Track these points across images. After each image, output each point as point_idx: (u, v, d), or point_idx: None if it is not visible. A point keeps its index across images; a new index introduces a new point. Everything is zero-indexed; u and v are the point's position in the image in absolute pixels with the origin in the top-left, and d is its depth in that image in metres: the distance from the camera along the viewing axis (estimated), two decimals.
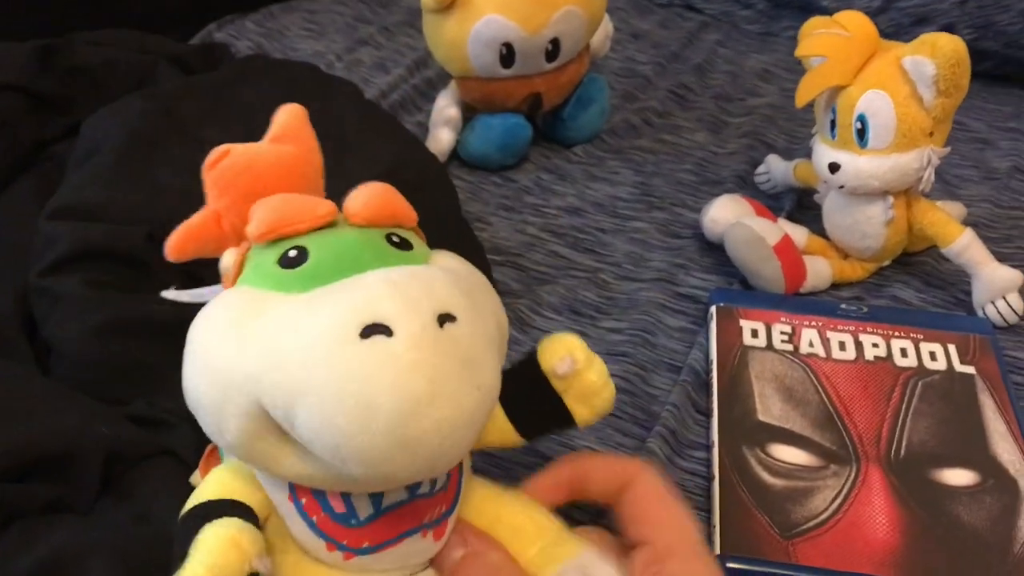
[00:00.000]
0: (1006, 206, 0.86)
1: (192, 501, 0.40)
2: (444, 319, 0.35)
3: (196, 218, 0.43)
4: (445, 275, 0.38)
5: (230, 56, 0.88)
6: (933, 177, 0.70)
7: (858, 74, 0.69)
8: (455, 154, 0.89)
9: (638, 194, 0.86)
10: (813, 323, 0.69)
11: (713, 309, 0.70)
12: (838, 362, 0.66)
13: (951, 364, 0.66)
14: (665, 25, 1.18)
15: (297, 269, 0.38)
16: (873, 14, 1.06)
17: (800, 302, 0.72)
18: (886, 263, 0.76)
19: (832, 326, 0.69)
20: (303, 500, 0.40)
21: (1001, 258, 0.76)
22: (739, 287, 0.75)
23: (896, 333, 0.68)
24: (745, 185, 0.87)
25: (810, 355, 0.67)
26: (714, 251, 0.78)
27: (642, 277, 0.77)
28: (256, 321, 0.37)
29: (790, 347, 0.67)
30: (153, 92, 0.72)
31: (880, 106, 0.68)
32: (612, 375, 0.63)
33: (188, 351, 0.38)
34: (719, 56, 1.11)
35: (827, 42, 0.70)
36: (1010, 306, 0.70)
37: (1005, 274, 0.70)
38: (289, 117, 0.45)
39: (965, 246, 0.71)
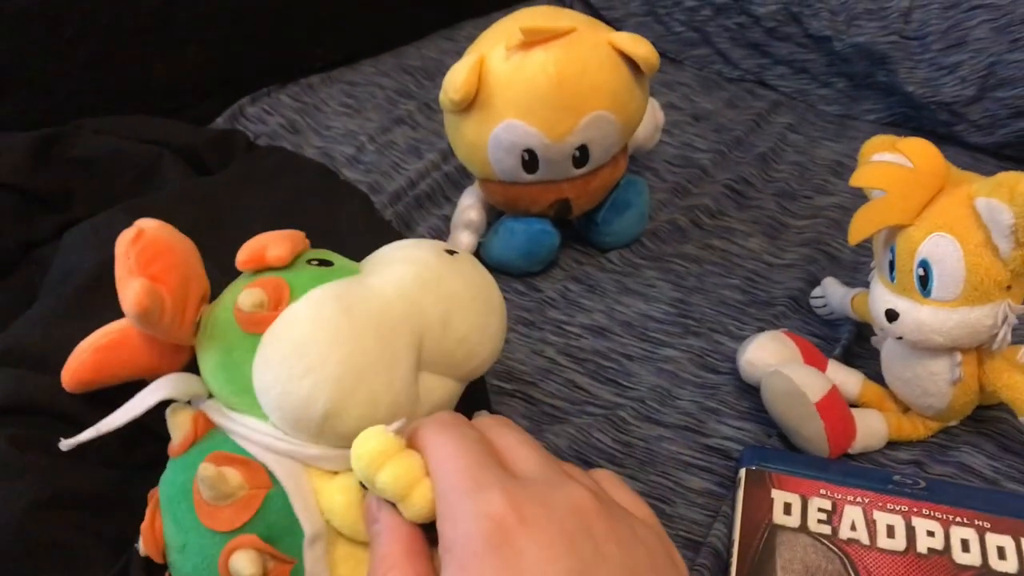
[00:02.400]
0: None
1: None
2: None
3: (103, 334, 0.47)
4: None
5: (246, 146, 0.83)
6: (1010, 337, 0.59)
7: (921, 213, 0.59)
8: (478, 257, 0.82)
9: (674, 314, 0.77)
10: (859, 499, 0.59)
11: (742, 473, 0.61)
12: (884, 552, 0.56)
13: None
14: (733, 103, 1.09)
15: (335, 266, 0.47)
16: (965, 103, 0.96)
17: (846, 468, 0.62)
18: (953, 423, 0.66)
19: (881, 504, 0.59)
20: None
21: None
22: (778, 441, 0.65)
23: (958, 518, 0.58)
24: (799, 309, 0.77)
25: (851, 541, 0.57)
26: (753, 393, 0.68)
27: (666, 420, 0.68)
28: (367, 289, 0.45)
29: (828, 529, 0.57)
30: (140, 205, 0.67)
31: (946, 252, 0.57)
32: None
33: (321, 344, 0.42)
34: (788, 143, 1.01)
35: (886, 173, 0.60)
36: None
37: None
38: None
39: None
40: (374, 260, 0.49)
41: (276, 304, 0.44)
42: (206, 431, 0.46)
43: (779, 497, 0.59)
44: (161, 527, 0.46)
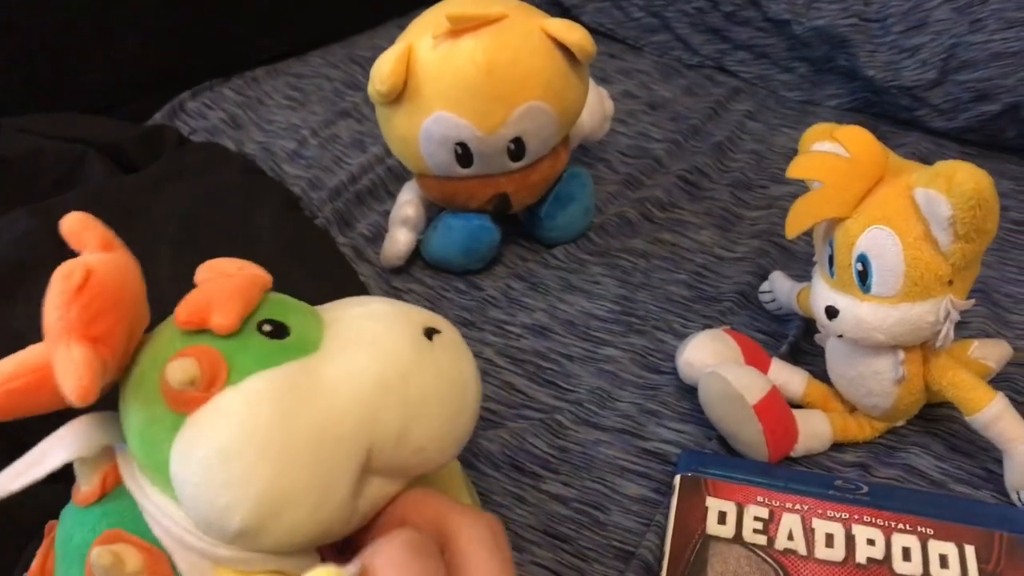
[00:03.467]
0: None
1: None
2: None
3: (14, 372, 0.37)
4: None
5: (176, 142, 0.80)
6: (952, 334, 0.56)
7: (859, 205, 0.56)
8: (419, 254, 0.79)
9: (618, 312, 0.74)
10: (798, 506, 0.56)
11: (677, 479, 0.58)
12: (822, 563, 0.53)
13: (966, 573, 0.53)
14: (692, 91, 1.06)
15: (291, 336, 0.40)
16: (927, 87, 0.93)
17: (787, 473, 0.59)
18: (900, 423, 0.63)
19: (821, 511, 0.56)
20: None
21: None
22: (717, 444, 0.63)
23: (900, 525, 0.55)
24: (747, 304, 0.75)
25: (787, 552, 0.54)
26: (694, 393, 0.65)
27: (604, 424, 0.65)
28: (321, 383, 0.38)
29: (764, 539, 0.55)
30: (47, 206, 0.64)
31: (885, 246, 0.55)
32: (541, 565, 0.52)
33: (249, 459, 0.36)
34: (746, 132, 0.98)
35: (823, 164, 0.57)
36: None
37: None
38: (85, 226, 0.41)
39: (994, 417, 0.57)
40: (340, 327, 0.42)
41: (209, 383, 0.38)
42: (115, 485, 0.40)
43: (714, 505, 0.56)
44: (52, 572, 0.41)
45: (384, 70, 0.67)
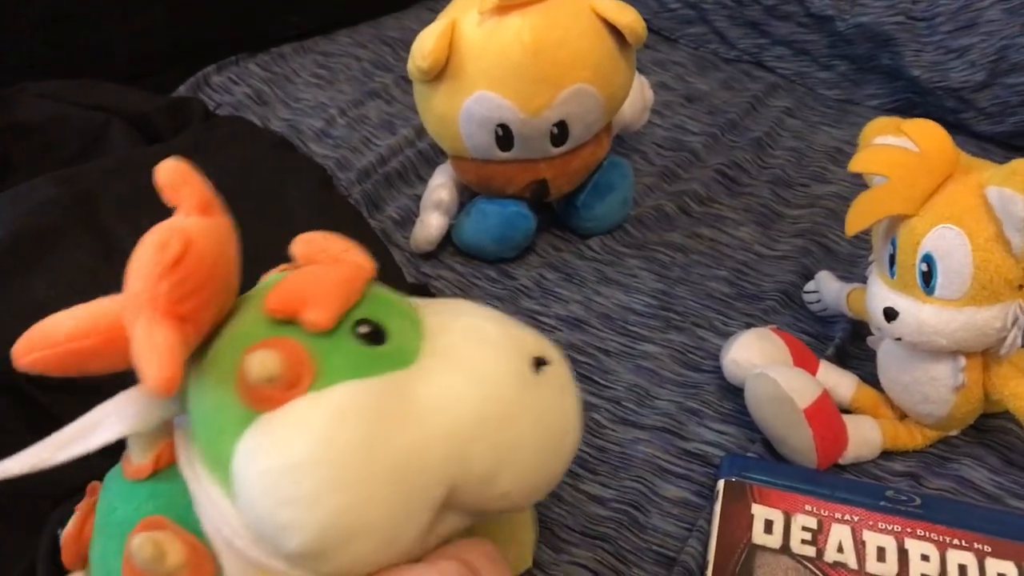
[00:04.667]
0: None
1: None
2: None
3: (85, 329, 0.35)
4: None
5: (202, 114, 0.77)
6: (1020, 341, 0.53)
7: (927, 202, 0.53)
8: (450, 240, 0.76)
9: (656, 307, 0.72)
10: (848, 516, 0.54)
11: (721, 484, 0.55)
12: None
13: None
14: (729, 85, 1.03)
15: (388, 343, 0.37)
16: (974, 89, 0.90)
17: (835, 481, 0.57)
18: (953, 433, 0.60)
19: (872, 523, 0.53)
20: None
21: None
22: (762, 447, 0.60)
23: (955, 540, 0.53)
24: (790, 304, 0.72)
25: (837, 565, 0.51)
26: (737, 394, 0.63)
27: (643, 422, 0.62)
28: (413, 406, 0.35)
29: (812, 551, 0.52)
30: (71, 174, 0.61)
31: (953, 246, 0.52)
32: (580, 565, 0.51)
33: (320, 482, 0.33)
34: (785, 128, 0.95)
35: (889, 158, 0.55)
36: None
37: None
38: (184, 179, 0.38)
39: None
40: (442, 341, 0.38)
41: (291, 384, 0.34)
42: (169, 463, 0.38)
43: (760, 513, 0.53)
44: (89, 538, 0.39)
45: (427, 45, 0.65)
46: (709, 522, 0.54)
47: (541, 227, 0.78)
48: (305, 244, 0.40)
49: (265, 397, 0.34)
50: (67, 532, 0.41)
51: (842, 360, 0.66)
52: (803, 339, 0.68)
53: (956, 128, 0.95)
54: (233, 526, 0.35)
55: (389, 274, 0.62)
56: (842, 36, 0.99)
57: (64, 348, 0.35)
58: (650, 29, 1.12)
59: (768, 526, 0.53)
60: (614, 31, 0.67)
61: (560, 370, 0.40)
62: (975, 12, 0.91)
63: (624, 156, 0.89)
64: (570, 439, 0.40)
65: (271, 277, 0.41)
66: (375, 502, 0.34)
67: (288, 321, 0.36)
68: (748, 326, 0.69)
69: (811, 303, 0.71)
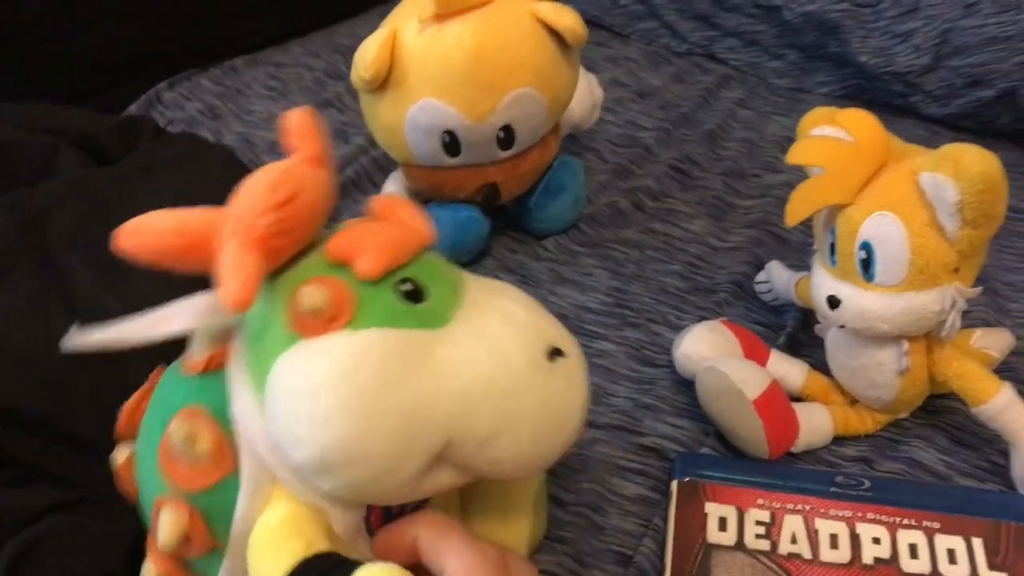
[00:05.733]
0: None
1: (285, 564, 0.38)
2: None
3: (187, 229, 0.38)
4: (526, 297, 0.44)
5: (153, 133, 0.77)
6: (959, 323, 0.54)
7: (862, 191, 0.54)
8: None
9: (611, 304, 0.72)
10: (800, 506, 0.54)
11: (674, 485, 0.56)
12: (827, 566, 0.52)
13: (975, 568, 0.51)
14: (680, 78, 1.04)
15: (425, 303, 0.40)
16: (920, 73, 0.91)
17: (787, 470, 0.58)
18: (903, 416, 0.61)
19: (823, 510, 0.54)
20: (372, 515, 0.42)
21: None
22: (715, 440, 0.61)
23: (905, 520, 0.53)
24: (743, 295, 0.73)
25: (792, 556, 0.52)
26: (691, 387, 0.63)
27: (600, 421, 0.63)
28: (432, 361, 0.38)
29: (767, 544, 0.53)
30: (19, 200, 0.61)
31: (889, 233, 0.53)
32: (543, 570, 0.51)
33: (335, 406, 0.36)
34: (737, 119, 0.96)
35: (824, 149, 0.55)
36: None
37: None
38: (309, 130, 0.43)
39: (1001, 408, 0.55)
40: (474, 312, 0.41)
41: (332, 318, 0.38)
42: (220, 366, 0.41)
43: (714, 511, 0.54)
44: (143, 413, 0.44)
45: (368, 56, 0.65)
46: (665, 520, 0.55)
47: (496, 229, 0.79)
48: (379, 204, 0.44)
49: (309, 325, 0.38)
50: (127, 405, 0.45)
51: (793, 348, 0.67)
52: (755, 329, 0.69)
53: (905, 112, 0.96)
54: (258, 431, 0.39)
55: None
56: (790, 25, 1.00)
57: (163, 241, 0.38)
58: (601, 26, 1.14)
59: (722, 523, 0.54)
60: (555, 34, 0.67)
61: (573, 364, 0.43)
62: None
63: (577, 154, 0.89)
64: (569, 427, 0.42)
65: (346, 222, 0.44)
66: (379, 435, 0.37)
67: (343, 265, 0.39)
68: (702, 319, 0.69)
69: (763, 293, 0.71)
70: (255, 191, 0.38)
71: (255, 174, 0.40)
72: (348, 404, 0.36)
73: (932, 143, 0.90)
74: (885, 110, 0.97)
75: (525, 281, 0.75)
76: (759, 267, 0.73)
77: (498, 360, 0.39)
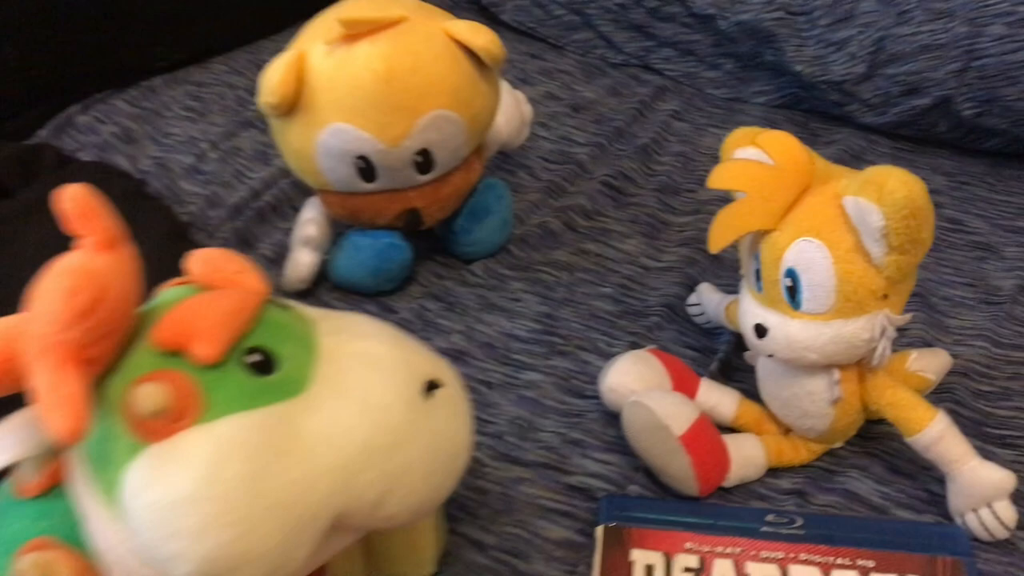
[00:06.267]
0: (1007, 344, 0.68)
1: None
2: None
3: None
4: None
5: (55, 161, 0.73)
6: (889, 350, 0.52)
7: (786, 215, 0.52)
8: (327, 276, 0.73)
9: (540, 332, 0.70)
10: (730, 549, 0.52)
11: (599, 531, 0.53)
12: None
13: None
14: (616, 91, 1.01)
15: (278, 372, 0.36)
16: (856, 81, 0.90)
17: (717, 510, 0.55)
18: (838, 445, 0.59)
19: (755, 552, 0.52)
20: None
21: (995, 423, 0.60)
22: (644, 477, 0.58)
23: (839, 559, 0.51)
24: (675, 318, 0.70)
25: None
26: (620, 420, 0.61)
27: (526, 458, 0.60)
28: (301, 438, 0.35)
29: None
30: None
31: (814, 260, 0.51)
32: None
33: (205, 516, 0.33)
34: (673, 133, 0.94)
35: (745, 172, 0.53)
36: (997, 517, 0.53)
37: (991, 476, 0.53)
38: (91, 209, 0.37)
39: (935, 438, 0.53)
40: (334, 368, 0.38)
41: (178, 416, 0.34)
42: (59, 483, 0.38)
43: (640, 559, 0.51)
44: None
45: (273, 80, 0.62)
46: (590, 567, 0.52)
47: (423, 254, 0.75)
48: (200, 263, 0.40)
49: (152, 429, 0.34)
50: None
51: (727, 374, 0.65)
52: (687, 354, 0.67)
53: (843, 121, 0.95)
54: (122, 548, 0.35)
55: None
56: (725, 34, 0.98)
57: None
58: (535, 37, 1.11)
59: (649, 571, 0.51)
60: (471, 54, 0.64)
61: (452, 392, 0.41)
62: (851, 4, 0.90)
63: (509, 172, 0.87)
64: (462, 456, 0.41)
65: (166, 293, 0.40)
66: (260, 534, 0.34)
67: (177, 352, 0.36)
68: (633, 345, 0.67)
69: (695, 316, 0.69)
70: (53, 300, 0.33)
71: (48, 275, 0.34)
72: (219, 510, 0.33)
73: (870, 152, 0.91)
74: (823, 119, 0.96)
75: (452, 308, 0.72)
76: (692, 288, 0.71)
77: (372, 417, 0.37)
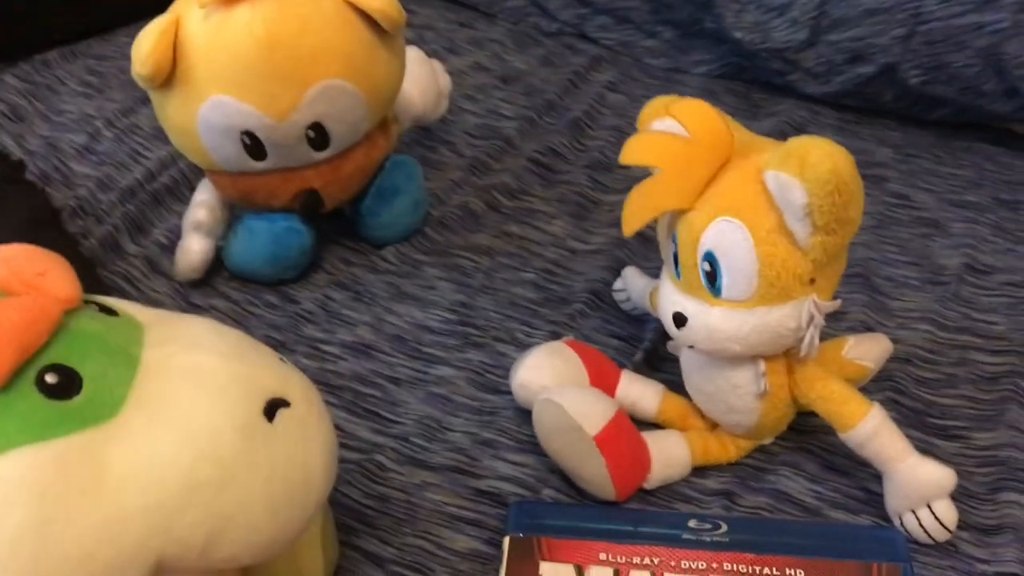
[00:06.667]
0: (952, 328, 0.64)
1: None
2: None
3: None
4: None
5: None
6: (817, 340, 0.48)
7: (703, 193, 0.47)
8: (221, 264, 0.67)
9: (454, 322, 0.64)
10: (647, 559, 0.47)
11: (507, 541, 0.48)
12: None
13: None
14: (549, 61, 0.95)
15: (82, 394, 0.31)
16: (798, 49, 0.85)
17: (636, 515, 0.50)
18: (767, 441, 0.54)
19: (674, 563, 0.47)
20: None
21: (938, 413, 0.56)
22: (559, 480, 0.53)
23: (765, 569, 0.47)
24: (600, 305, 0.65)
25: None
26: None
27: (432, 461, 0.55)
28: (108, 472, 0.30)
29: None
30: None
31: (734, 241, 0.46)
32: None
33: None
34: (607, 105, 0.89)
35: (658, 146, 0.48)
36: (936, 518, 0.48)
37: (929, 474, 0.48)
38: None
39: (869, 435, 0.49)
40: (155, 385, 0.33)
41: None
42: None
43: (549, 572, 0.46)
44: None
45: (144, 49, 0.56)
46: None
47: (331, 238, 0.70)
48: (3, 254, 0.34)
49: None
50: None
51: (653, 364, 0.60)
52: (612, 344, 0.62)
53: (785, 91, 0.90)
54: None
55: None
56: (663, 1, 0.93)
57: None
58: (466, 5, 1.05)
59: None
60: (368, 18, 0.58)
61: (303, 411, 0.35)
62: None
63: (430, 149, 0.81)
64: (316, 489, 0.35)
65: None
66: None
67: None
68: (553, 335, 0.62)
69: (622, 302, 0.64)
70: None
71: None
72: (6, 563, 0.28)
73: (814, 123, 0.86)
74: (765, 90, 0.91)
75: (359, 298, 0.66)
76: (620, 272, 0.66)
77: (196, 445, 0.31)
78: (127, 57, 0.92)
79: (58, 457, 0.30)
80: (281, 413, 0.33)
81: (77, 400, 0.31)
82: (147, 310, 0.38)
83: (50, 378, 0.31)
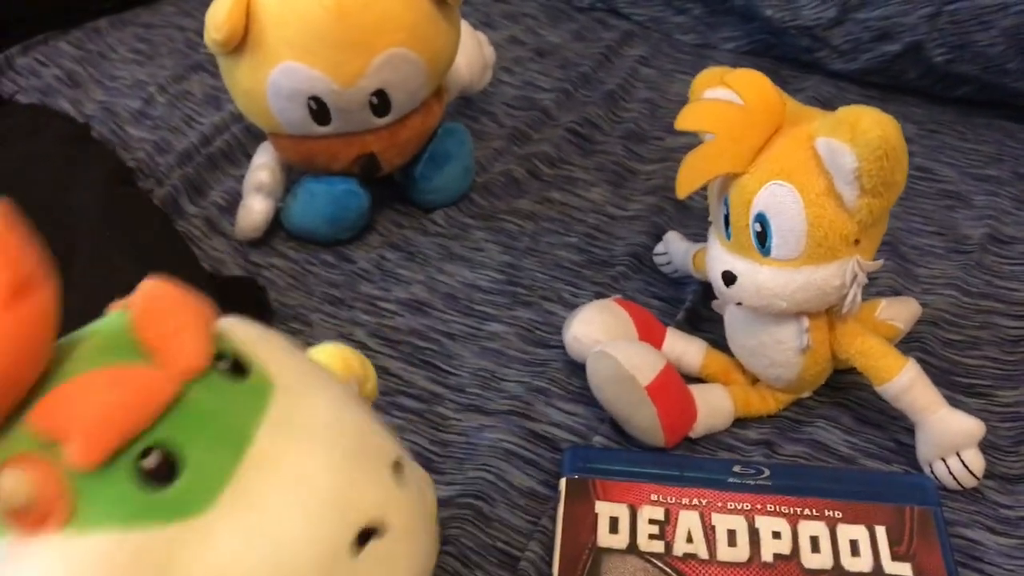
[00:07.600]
0: (976, 293, 0.67)
1: None
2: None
3: None
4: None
5: None
6: (860, 298, 0.51)
7: (756, 158, 0.50)
8: (281, 224, 0.70)
9: (503, 282, 0.68)
10: (696, 501, 0.51)
11: (563, 483, 0.51)
12: (725, 566, 0.48)
13: (878, 559, 0.48)
14: (582, 36, 0.98)
15: (178, 482, 0.30)
16: (826, 26, 0.88)
17: (683, 460, 0.54)
18: (806, 395, 0.58)
19: (721, 504, 0.50)
20: None
21: (963, 372, 0.59)
22: (609, 428, 0.57)
23: (806, 510, 0.50)
24: (642, 268, 0.68)
25: (687, 557, 0.48)
26: (585, 370, 0.59)
27: (489, 407, 0.58)
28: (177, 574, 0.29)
29: (661, 545, 0.49)
30: None
31: (785, 204, 0.49)
32: None
33: None
34: (640, 79, 0.92)
35: (713, 113, 0.51)
36: (965, 465, 0.52)
37: (959, 424, 0.52)
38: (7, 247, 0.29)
39: (905, 387, 0.52)
40: (256, 479, 0.31)
41: (43, 515, 0.29)
42: None
43: (604, 511, 0.50)
44: None
45: (219, 15, 0.59)
46: (553, 520, 0.51)
47: (383, 202, 0.73)
48: (143, 298, 0.32)
49: (16, 517, 0.29)
50: None
51: (694, 324, 0.63)
52: (654, 304, 0.65)
53: (812, 68, 0.93)
54: None
55: (192, 280, 0.55)
56: None
57: None
58: None
59: (613, 524, 0.49)
60: None
61: (394, 545, 0.33)
62: None
63: (471, 119, 0.84)
64: None
65: (109, 316, 0.34)
66: None
67: (56, 442, 0.29)
68: (598, 295, 0.65)
69: (662, 265, 0.67)
70: None
71: None
72: None
73: (839, 100, 0.89)
74: (792, 66, 0.94)
75: (412, 258, 0.70)
76: (659, 237, 0.69)
77: (275, 568, 0.30)
78: (174, 26, 0.96)
79: (135, 551, 0.29)
80: (372, 544, 0.32)
81: (171, 490, 0.30)
82: (285, 356, 0.36)
83: (149, 462, 0.30)
